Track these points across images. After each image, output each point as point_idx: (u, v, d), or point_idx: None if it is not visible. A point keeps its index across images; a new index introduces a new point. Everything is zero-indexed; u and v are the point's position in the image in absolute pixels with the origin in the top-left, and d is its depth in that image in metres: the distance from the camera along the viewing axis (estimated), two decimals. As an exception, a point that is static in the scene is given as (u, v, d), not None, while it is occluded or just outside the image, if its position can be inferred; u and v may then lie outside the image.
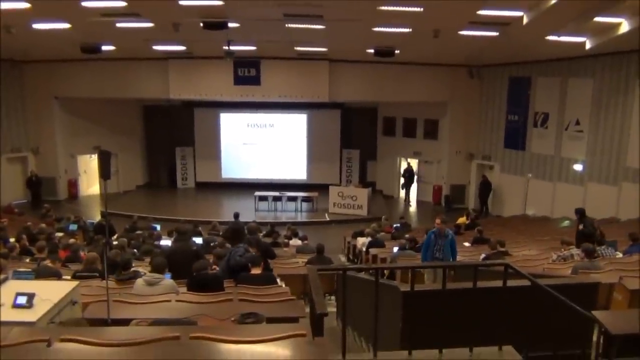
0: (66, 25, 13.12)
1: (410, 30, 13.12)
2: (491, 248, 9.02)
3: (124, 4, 11.25)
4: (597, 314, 4.01)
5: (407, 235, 11.64)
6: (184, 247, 7.72)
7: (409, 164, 21.27)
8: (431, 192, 20.77)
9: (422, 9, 11.14)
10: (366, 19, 12.27)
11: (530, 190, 17.43)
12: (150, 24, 13.23)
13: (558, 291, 3.85)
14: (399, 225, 14.75)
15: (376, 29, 13.16)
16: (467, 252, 10.35)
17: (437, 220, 8.58)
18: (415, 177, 21.17)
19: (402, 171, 21.45)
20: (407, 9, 11.18)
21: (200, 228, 13.61)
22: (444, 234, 8.41)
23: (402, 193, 21.42)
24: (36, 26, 13.00)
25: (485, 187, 18.73)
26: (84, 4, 11.17)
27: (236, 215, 13.15)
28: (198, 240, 11.23)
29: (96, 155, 18.60)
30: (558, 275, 7.01)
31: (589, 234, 10.05)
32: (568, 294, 3.81)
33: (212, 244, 10.58)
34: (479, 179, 19.10)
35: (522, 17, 11.39)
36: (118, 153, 20.50)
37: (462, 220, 15.23)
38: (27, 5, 11.08)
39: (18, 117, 19.12)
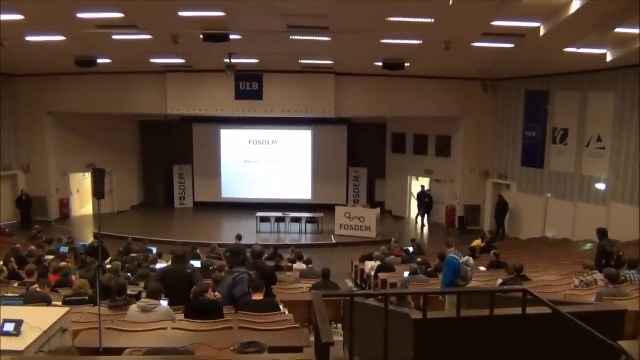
0: (61, 38, 13.26)
1: (421, 42, 13.18)
2: (509, 273, 8.96)
3: (121, 15, 11.35)
4: (624, 344, 3.94)
5: (419, 259, 11.62)
6: (178, 269, 7.65)
7: (423, 187, 20.98)
8: (444, 213, 20.70)
9: (433, 20, 11.19)
10: (374, 30, 12.34)
11: (550, 210, 17.32)
12: (148, 36, 13.34)
13: (581, 319, 3.81)
14: (410, 248, 14.69)
15: (385, 40, 13.22)
16: (483, 277, 10.28)
17: (446, 243, 8.75)
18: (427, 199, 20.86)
19: (415, 194, 21.19)
20: (417, 20, 11.23)
21: (198, 251, 13.62)
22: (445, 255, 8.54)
23: (418, 219, 20.98)
24: (30, 39, 13.14)
25: (501, 208, 18.65)
26: (79, 15, 11.26)
27: (239, 237, 13.15)
28: (196, 263, 11.19)
29: (90, 173, 19.07)
30: (581, 303, 6.93)
31: (608, 253, 9.97)
32: (592, 323, 3.77)
33: (211, 268, 10.54)
34: (495, 199, 19.03)
35: (539, 28, 11.40)
36: (113, 171, 20.61)
37: (477, 243, 15.08)
38: (20, 17, 11.20)
39: (9, 134, 19.25)
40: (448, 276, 8.34)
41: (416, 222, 20.90)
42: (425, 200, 20.56)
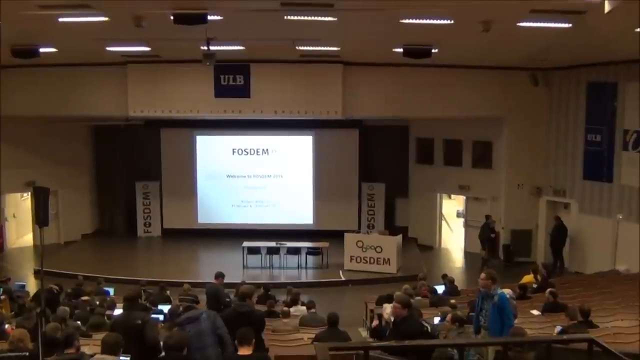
0: (-8, 22, 13.35)
1: (452, 21, 13.21)
2: (570, 318, 8.94)
3: (69, -9, 11.47)
4: None
5: (452, 301, 11.64)
6: (128, 319, 7.65)
7: (489, 218, 19.73)
8: None
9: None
10: (392, 7, 12.39)
11: (621, 236, 17.24)
12: (103, 18, 13.39)
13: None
14: (441, 286, 14.63)
15: (406, 20, 13.20)
16: (536, 323, 10.28)
17: (482, 275, 8.67)
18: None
19: (482, 229, 19.78)
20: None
21: (168, 292, 13.75)
22: (491, 294, 8.47)
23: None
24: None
25: (559, 233, 18.60)
26: (16, -8, 11.34)
27: (220, 276, 13.09)
28: (165, 308, 11.20)
29: (30, 193, 19.01)
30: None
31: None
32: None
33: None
34: (550, 222, 18.99)
35: (602, 3, 11.44)
36: (59, 190, 20.69)
37: (528, 279, 15.08)
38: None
39: None
40: (474, 318, 8.62)
41: (483, 264, 19.18)
42: (491, 237, 19.72)
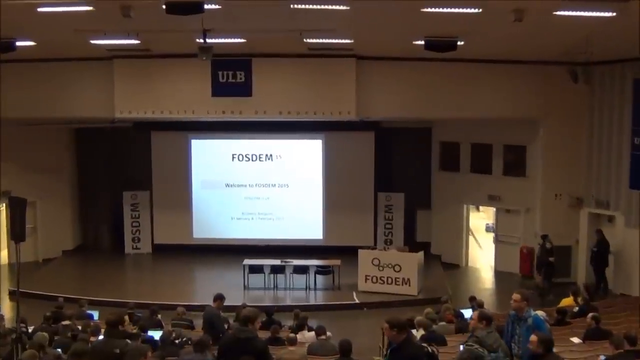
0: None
1: (481, 10, 13.21)
2: (615, 346, 8.86)
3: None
4: None
5: (481, 326, 11.45)
6: (105, 347, 7.68)
7: (546, 238, 19.08)
8: (517, 258, 20.61)
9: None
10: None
11: (674, 254, 17.15)
12: (87, 8, 13.43)
13: None
14: (469, 310, 14.29)
15: (428, 9, 13.25)
16: (577, 352, 10.24)
17: (515, 296, 8.69)
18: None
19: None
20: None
21: (160, 316, 13.65)
22: (524, 317, 8.53)
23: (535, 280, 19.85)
24: None
25: (602, 250, 18.52)
26: (-10, -20, 11.45)
27: (219, 298, 12.91)
28: (156, 334, 11.22)
29: (4, 204, 18.87)
30: None
31: None
32: None
33: (177, 342, 10.59)
34: (593, 237, 18.92)
35: (650, -12, 11.42)
36: (37, 201, 20.77)
37: (567, 302, 15.01)
38: None
39: None
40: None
41: (542, 290, 19.13)
42: (549, 260, 19.15)
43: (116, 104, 19.30)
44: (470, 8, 13.14)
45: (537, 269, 19.62)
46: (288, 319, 14.38)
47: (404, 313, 13.81)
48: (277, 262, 19.46)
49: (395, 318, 7.70)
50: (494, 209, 21.65)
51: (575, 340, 11.27)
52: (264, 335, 11.06)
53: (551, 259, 19.11)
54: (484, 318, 8.76)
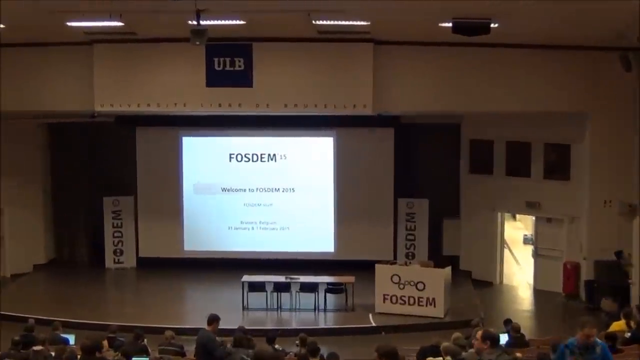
0: None
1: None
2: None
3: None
4: None
5: (518, 354, 11.25)
6: None
7: (620, 254, 19.15)
8: (559, 275, 20.58)
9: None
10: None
11: None
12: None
13: None
14: (504, 335, 14.01)
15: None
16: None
17: (590, 331, 8.55)
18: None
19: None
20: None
21: (145, 341, 13.57)
22: (591, 345, 8.53)
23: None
24: None
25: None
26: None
27: (214, 320, 12.59)
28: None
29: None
30: None
31: None
32: None
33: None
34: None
35: None
36: (4, 208, 21.03)
37: (618, 326, 14.58)
38: None
39: None
40: None
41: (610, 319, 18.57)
42: (629, 282, 19.01)
43: (96, 95, 19.33)
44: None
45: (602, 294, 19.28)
46: (293, 346, 14.10)
47: (429, 338, 13.89)
48: (281, 278, 19.48)
49: (384, 346, 8.01)
50: (533, 218, 21.76)
51: (629, 370, 11.30)
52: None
53: (629, 280, 18.80)
54: (488, 338, 9.10)
